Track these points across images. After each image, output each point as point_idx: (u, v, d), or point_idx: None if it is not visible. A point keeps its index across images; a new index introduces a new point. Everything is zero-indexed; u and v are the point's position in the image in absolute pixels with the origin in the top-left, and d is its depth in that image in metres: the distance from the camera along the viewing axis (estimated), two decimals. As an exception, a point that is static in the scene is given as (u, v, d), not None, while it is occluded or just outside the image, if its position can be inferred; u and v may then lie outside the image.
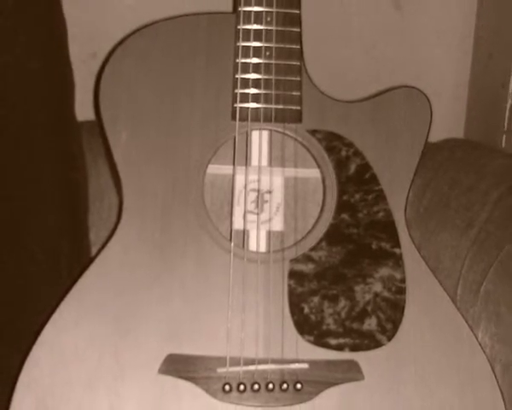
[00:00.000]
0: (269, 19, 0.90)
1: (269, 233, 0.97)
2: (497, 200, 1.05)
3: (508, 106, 1.23)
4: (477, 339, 0.90)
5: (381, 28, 1.30)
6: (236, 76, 0.90)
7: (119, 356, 0.85)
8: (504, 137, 1.24)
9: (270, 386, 0.86)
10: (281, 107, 0.91)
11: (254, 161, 0.96)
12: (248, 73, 0.90)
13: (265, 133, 0.96)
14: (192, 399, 0.85)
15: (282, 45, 0.91)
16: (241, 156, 0.95)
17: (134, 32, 0.92)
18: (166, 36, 0.91)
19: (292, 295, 0.89)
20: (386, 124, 0.93)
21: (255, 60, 0.90)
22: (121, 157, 0.90)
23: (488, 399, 0.88)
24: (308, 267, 0.90)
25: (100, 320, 0.86)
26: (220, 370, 0.86)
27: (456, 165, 1.15)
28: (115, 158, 0.90)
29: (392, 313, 0.89)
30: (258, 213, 0.98)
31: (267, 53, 0.90)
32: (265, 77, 0.90)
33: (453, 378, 0.88)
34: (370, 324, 0.89)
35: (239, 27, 0.90)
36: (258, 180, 0.97)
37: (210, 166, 0.91)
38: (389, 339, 0.89)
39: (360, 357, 0.88)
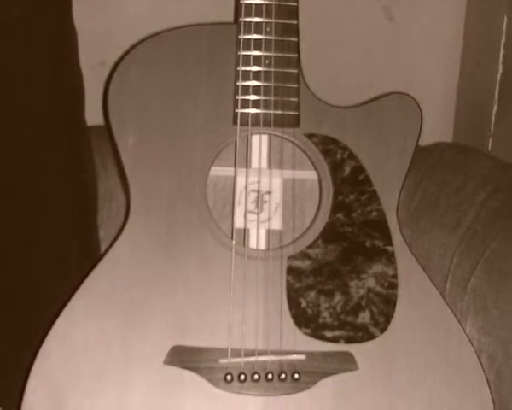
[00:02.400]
0: (268, 29, 0.90)
1: (268, 232, 0.97)
2: (484, 200, 1.05)
3: (494, 111, 1.23)
4: (465, 332, 0.90)
5: (374, 38, 1.30)
6: (237, 83, 0.90)
7: (127, 348, 0.85)
8: (490, 140, 1.24)
9: (270, 376, 0.86)
10: (279, 112, 0.91)
11: (254, 164, 0.96)
12: (249, 80, 0.90)
13: (265, 137, 0.96)
14: (195, 388, 0.85)
15: (280, 54, 0.91)
16: (242, 159, 0.95)
17: (140, 42, 0.92)
18: (171, 45, 0.91)
19: (290, 290, 0.89)
20: (380, 128, 0.93)
21: (255, 68, 0.90)
22: (129, 160, 0.90)
23: (475, 388, 0.88)
24: (305, 264, 0.90)
25: (108, 314, 0.86)
26: (222, 361, 0.86)
27: (445, 167, 1.15)
28: (123, 161, 0.90)
29: (384, 307, 0.89)
30: (257, 213, 0.98)
31: (266, 61, 0.90)
32: (265, 84, 0.90)
33: (442, 369, 0.88)
34: (364, 317, 0.89)
35: (240, 37, 0.90)
36: (258, 181, 0.97)
37: (212, 168, 0.91)
38: (382, 332, 0.89)
39: (354, 349, 0.88)
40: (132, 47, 0.92)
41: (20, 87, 0.99)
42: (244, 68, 0.90)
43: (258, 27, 0.90)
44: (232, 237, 0.92)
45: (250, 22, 0.90)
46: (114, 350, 0.85)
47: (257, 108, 0.90)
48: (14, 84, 0.98)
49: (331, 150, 0.92)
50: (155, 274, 0.87)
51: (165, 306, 0.86)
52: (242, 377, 0.86)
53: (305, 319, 0.88)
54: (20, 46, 0.99)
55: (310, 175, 0.96)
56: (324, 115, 0.92)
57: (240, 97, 0.90)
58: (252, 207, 0.97)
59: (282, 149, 0.96)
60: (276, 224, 0.98)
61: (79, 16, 1.08)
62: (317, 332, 0.88)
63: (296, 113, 0.91)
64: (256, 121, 0.91)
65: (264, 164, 0.97)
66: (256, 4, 0.90)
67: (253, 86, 0.90)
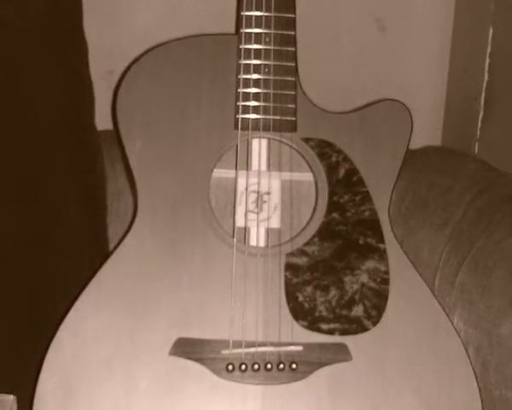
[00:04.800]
0: (267, 39, 0.90)
1: (267, 230, 0.97)
2: (470, 201, 1.05)
3: (480, 117, 1.23)
4: (452, 324, 0.90)
5: (367, 48, 1.30)
6: (238, 90, 0.90)
7: (134, 340, 0.85)
8: (477, 144, 1.24)
9: (269, 366, 0.86)
10: (278, 118, 0.91)
11: (254, 166, 0.96)
12: (249, 87, 0.90)
13: (264, 141, 0.96)
14: (199, 377, 0.85)
15: (279, 63, 0.91)
16: (243, 162, 0.95)
17: (147, 52, 0.92)
18: (176, 55, 0.91)
19: (288, 285, 0.89)
20: (372, 133, 0.93)
21: (255, 76, 0.90)
22: (136, 163, 0.90)
23: (462, 377, 0.88)
24: (302, 260, 0.90)
25: (117, 307, 0.86)
26: (224, 352, 0.86)
27: (434, 169, 1.15)
28: (131, 163, 0.90)
29: (377, 301, 0.89)
30: (257, 213, 0.98)
31: (266, 70, 0.90)
32: (264, 91, 0.90)
33: (431, 359, 0.88)
34: (358, 310, 0.89)
35: (241, 47, 0.90)
36: (258, 183, 0.97)
37: (215, 170, 0.91)
38: (374, 324, 0.89)
39: (348, 340, 0.88)
40: (139, 57, 0.92)
41: (35, 95, 0.99)
42: (245, 76, 0.90)
43: (257, 38, 0.90)
44: (233, 235, 0.92)
45: (250, 33, 0.90)
46: (122, 342, 0.85)
47: (257, 113, 0.91)
48: (29, 93, 0.98)
49: (326, 153, 0.92)
50: (161, 270, 0.87)
51: (170, 300, 0.86)
52: (243, 367, 0.86)
53: (302, 313, 0.88)
54: (35, 58, 0.99)
55: (307, 177, 0.96)
56: (320, 121, 0.93)
57: (241, 104, 0.90)
58: (252, 207, 0.97)
59: (281, 153, 0.96)
60: (275, 223, 0.98)
61: (90, 28, 1.08)
62: (313, 325, 0.88)
63: (294, 118, 0.91)
64: (256, 126, 0.91)
65: (264, 166, 0.97)
66: (256, 16, 0.90)
67: (253, 93, 0.90)
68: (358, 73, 1.31)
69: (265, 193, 0.98)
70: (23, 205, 0.96)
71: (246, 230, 0.96)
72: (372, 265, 0.90)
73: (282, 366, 0.86)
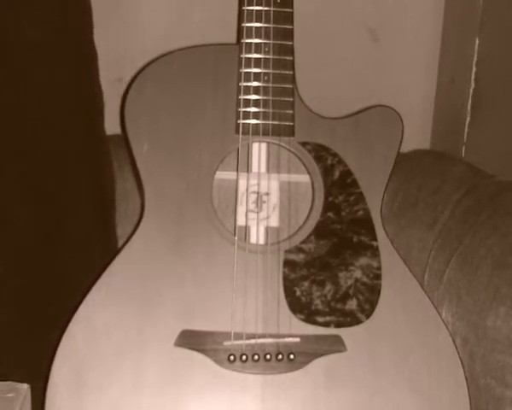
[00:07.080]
0: (267, 49, 0.91)
1: (267, 229, 0.97)
2: (458, 201, 1.05)
3: (467, 122, 1.23)
4: (441, 317, 0.90)
5: (361, 57, 1.30)
6: (239, 97, 0.91)
7: (141, 332, 0.85)
8: (464, 148, 1.25)
9: (268, 357, 0.86)
10: (277, 123, 0.91)
11: (254, 168, 0.96)
12: (250, 94, 0.90)
13: (264, 145, 0.96)
14: (202, 367, 0.85)
15: (277, 71, 0.91)
16: (244, 164, 0.95)
17: (154, 61, 0.92)
18: (181, 63, 0.92)
19: (286, 280, 0.89)
20: (365, 137, 0.94)
21: (255, 83, 0.91)
22: (143, 165, 0.90)
23: (450, 367, 0.88)
24: (299, 257, 0.90)
25: (125, 301, 0.86)
26: (226, 343, 0.86)
27: (424, 171, 1.15)
28: (138, 166, 0.90)
29: (369, 295, 0.89)
30: (257, 212, 0.98)
31: (265, 77, 0.91)
32: (264, 98, 0.91)
33: (421, 350, 0.88)
34: (352, 304, 0.89)
35: (242, 56, 0.91)
36: (258, 184, 0.97)
37: (217, 172, 0.91)
38: (367, 317, 0.89)
39: (343, 332, 0.88)
40: (146, 65, 0.92)
41: (49, 101, 0.99)
42: (245, 84, 0.91)
43: (257, 48, 0.90)
44: (235, 234, 0.93)
45: (251, 43, 0.90)
46: (130, 333, 0.85)
47: (257, 119, 0.91)
48: (43, 98, 0.99)
49: (322, 156, 0.92)
50: (166, 266, 0.87)
51: (175, 294, 0.86)
52: (244, 357, 0.86)
53: (299, 306, 0.88)
54: (48, 66, 0.99)
55: (304, 178, 0.96)
56: (316, 126, 0.93)
57: (241, 110, 0.90)
58: (252, 206, 0.98)
59: (279, 156, 0.96)
60: (274, 222, 0.98)
61: (99, 37, 1.08)
62: (310, 318, 0.88)
63: (291, 123, 0.91)
64: (256, 131, 0.91)
65: (263, 169, 0.97)
66: (256, 27, 0.90)
67: (254, 100, 0.91)
68: (352, 80, 1.31)
69: (265, 194, 0.98)
70: (37, 205, 0.96)
71: (246, 228, 0.96)
72: (365, 261, 0.91)
73: (280, 356, 0.87)
